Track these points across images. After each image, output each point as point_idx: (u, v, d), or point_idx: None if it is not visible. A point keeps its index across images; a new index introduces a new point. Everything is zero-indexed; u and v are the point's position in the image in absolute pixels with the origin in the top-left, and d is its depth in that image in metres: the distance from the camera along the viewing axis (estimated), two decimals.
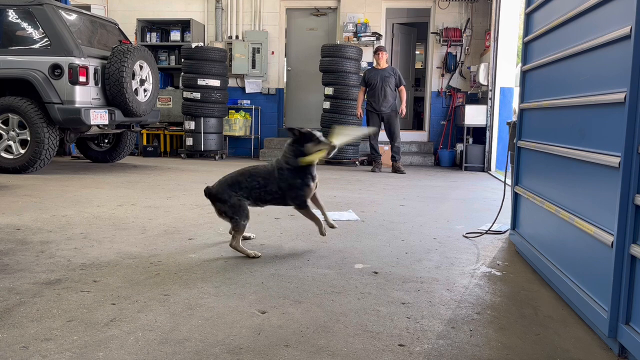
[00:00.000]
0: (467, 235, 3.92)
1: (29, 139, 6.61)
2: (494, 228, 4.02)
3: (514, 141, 3.76)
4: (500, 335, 2.17)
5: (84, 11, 7.47)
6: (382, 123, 8.45)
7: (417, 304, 2.48)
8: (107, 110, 6.92)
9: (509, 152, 3.97)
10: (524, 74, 3.48)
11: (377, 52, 8.44)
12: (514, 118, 4.30)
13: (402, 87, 8.37)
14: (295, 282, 2.73)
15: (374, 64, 8.61)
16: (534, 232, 3.18)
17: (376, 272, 2.95)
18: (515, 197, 3.59)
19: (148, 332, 2.06)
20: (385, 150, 8.95)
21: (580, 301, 2.31)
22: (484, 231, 3.95)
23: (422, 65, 12.43)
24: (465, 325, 2.25)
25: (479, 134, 9.21)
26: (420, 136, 10.52)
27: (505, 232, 3.99)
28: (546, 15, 3.09)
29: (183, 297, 2.46)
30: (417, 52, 12.46)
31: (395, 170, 8.36)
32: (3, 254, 3.06)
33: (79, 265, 2.90)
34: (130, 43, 7.50)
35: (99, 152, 8.60)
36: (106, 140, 8.60)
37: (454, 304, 2.50)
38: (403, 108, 8.34)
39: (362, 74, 8.83)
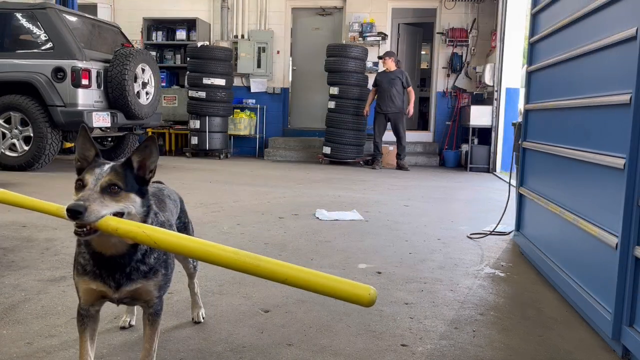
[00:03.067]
0: (471, 236, 3.92)
1: (32, 135, 6.66)
2: (499, 229, 4.01)
3: (519, 142, 3.76)
4: (503, 336, 2.16)
5: (86, 15, 7.53)
6: (389, 123, 8.86)
7: (420, 305, 2.48)
8: (109, 113, 6.97)
9: (514, 153, 3.96)
10: (529, 75, 3.47)
11: (381, 58, 8.93)
12: (519, 119, 4.30)
13: (410, 89, 8.78)
14: None
15: (384, 68, 8.92)
16: (538, 234, 3.17)
17: (379, 272, 2.95)
18: (520, 198, 3.58)
19: None
20: (389, 150, 9.11)
21: (584, 303, 2.30)
22: (488, 232, 3.95)
23: (427, 66, 12.41)
24: (468, 326, 2.25)
25: (484, 135, 9.18)
26: (425, 136, 10.51)
27: (509, 233, 3.98)
28: (552, 15, 3.08)
29: (186, 296, 2.46)
30: (422, 52, 12.44)
31: (400, 167, 8.82)
32: (9, 251, 3.07)
33: None
34: (132, 46, 7.55)
35: (103, 150, 8.63)
36: (109, 139, 8.63)
37: (457, 305, 2.50)
38: (410, 108, 8.74)
39: (367, 74, 9.32)
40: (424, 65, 12.60)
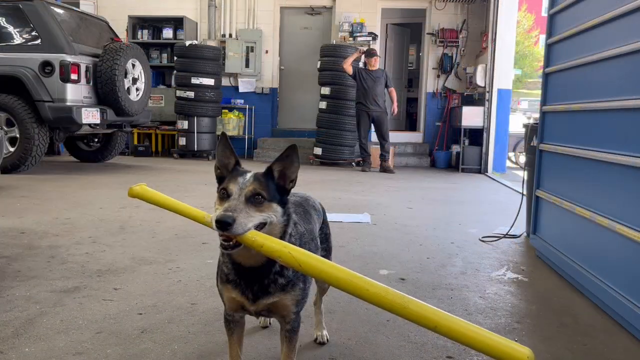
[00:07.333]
0: (483, 239, 3.87)
1: (17, 136, 6.42)
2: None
3: (531, 144, 3.72)
4: (547, 345, 2.10)
5: (73, 8, 7.29)
6: (372, 123, 8.56)
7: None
8: (98, 109, 6.75)
9: (527, 155, 3.92)
10: (546, 76, 3.43)
11: (371, 56, 8.43)
12: (527, 120, 4.26)
13: (392, 89, 8.59)
14: None
15: (367, 66, 8.58)
16: (560, 237, 3.12)
17: (403, 279, 2.87)
18: (537, 201, 3.54)
19: (184, 344, 1.95)
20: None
21: (624, 310, 2.25)
22: (502, 235, 3.90)
23: (413, 65, 12.36)
24: (509, 334, 2.18)
25: (475, 136, 9.19)
26: (415, 137, 10.47)
27: (519, 235, 3.94)
28: (573, 17, 3.04)
29: (211, 306, 2.35)
30: (410, 54, 12.41)
31: (384, 169, 8.40)
32: (12, 260, 2.91)
33: (94, 271, 2.77)
34: (122, 41, 7.33)
35: (89, 151, 8.39)
36: (96, 140, 8.39)
37: (491, 312, 2.43)
38: (395, 107, 8.57)
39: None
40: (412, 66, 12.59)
